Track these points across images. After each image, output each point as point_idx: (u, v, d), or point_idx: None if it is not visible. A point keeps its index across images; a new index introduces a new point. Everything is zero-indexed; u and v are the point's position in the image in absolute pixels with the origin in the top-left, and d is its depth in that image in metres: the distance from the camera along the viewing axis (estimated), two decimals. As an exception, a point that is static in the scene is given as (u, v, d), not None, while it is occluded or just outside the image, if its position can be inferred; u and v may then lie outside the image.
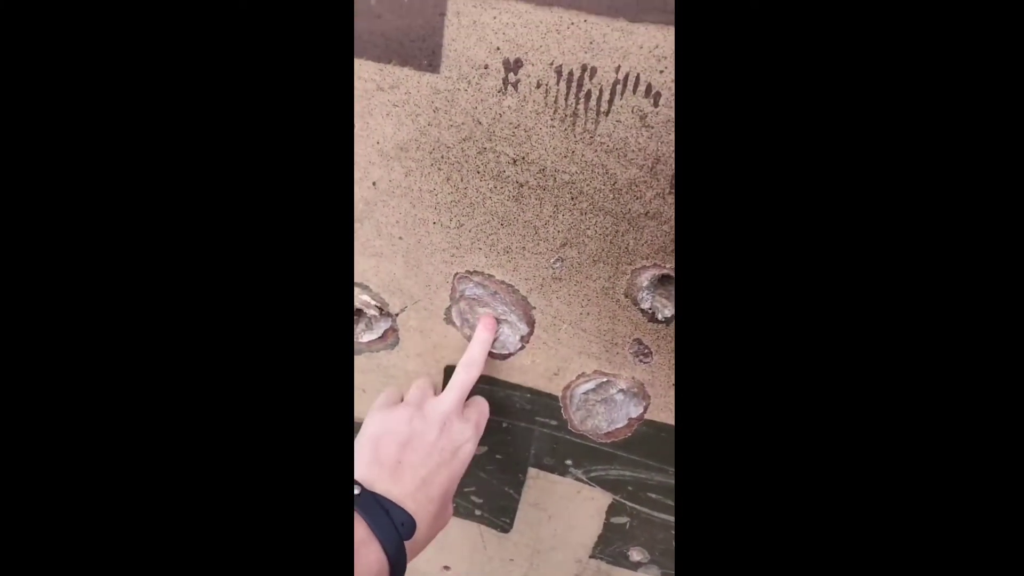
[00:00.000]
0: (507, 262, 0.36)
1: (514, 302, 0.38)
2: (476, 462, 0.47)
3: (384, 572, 0.30)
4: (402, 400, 0.39)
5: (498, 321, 0.39)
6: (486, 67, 0.30)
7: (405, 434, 0.34)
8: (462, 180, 0.34)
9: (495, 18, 0.29)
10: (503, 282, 0.37)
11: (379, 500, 0.31)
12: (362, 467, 0.33)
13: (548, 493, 0.47)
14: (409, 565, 0.57)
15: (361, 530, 0.30)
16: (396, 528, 0.31)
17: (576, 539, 0.49)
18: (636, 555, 0.48)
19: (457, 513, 0.51)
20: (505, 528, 0.51)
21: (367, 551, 0.29)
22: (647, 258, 0.34)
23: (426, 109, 0.32)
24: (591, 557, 0.50)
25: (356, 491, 0.31)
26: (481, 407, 0.39)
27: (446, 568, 0.57)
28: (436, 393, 0.38)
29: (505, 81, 0.30)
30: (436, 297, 0.39)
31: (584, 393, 0.41)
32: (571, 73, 0.29)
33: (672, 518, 0.45)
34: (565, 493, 0.46)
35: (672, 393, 0.38)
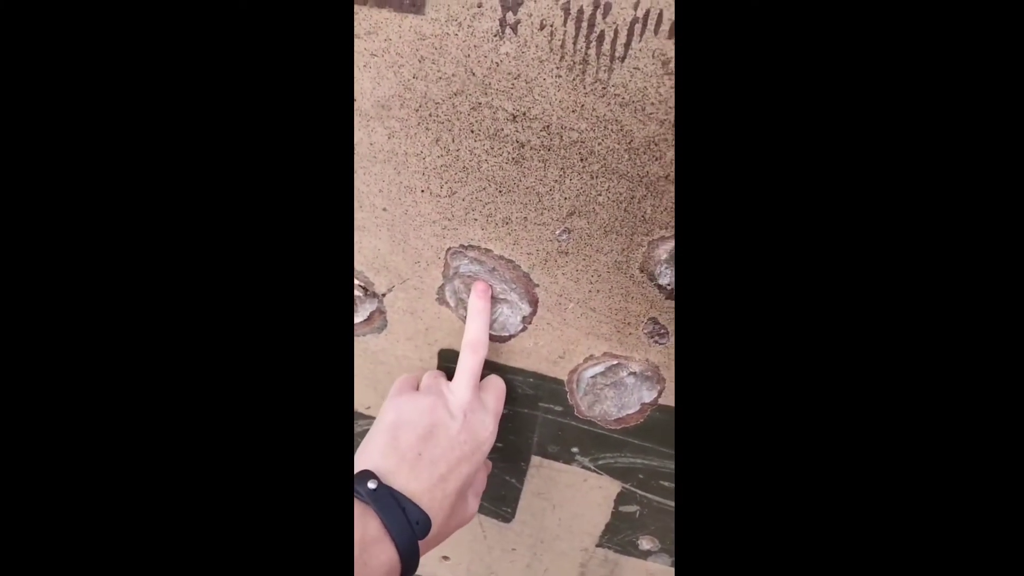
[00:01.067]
0: (506, 235, 0.32)
1: (515, 279, 0.34)
2: (475, 452, 0.44)
3: (396, 571, 0.28)
4: (418, 387, 0.36)
5: (497, 300, 0.35)
6: (480, 5, 0.26)
7: (427, 424, 0.31)
8: (453, 141, 0.30)
9: (490, -57, 0.24)
10: (502, 257, 0.33)
11: (396, 496, 0.29)
12: (379, 456, 0.30)
13: (552, 482, 0.44)
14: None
15: (375, 527, 0.28)
16: (411, 527, 0.28)
17: (582, 528, 0.47)
18: (646, 544, 0.46)
19: (456, 504, 0.49)
20: (507, 518, 0.48)
21: (380, 550, 0.27)
22: (666, 227, 0.30)
23: (410, 59, 0.28)
24: (598, 546, 0.48)
25: (372, 485, 0.29)
26: (497, 389, 0.36)
27: (445, 558, 0.54)
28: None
29: (502, 22, 0.26)
30: (427, 275, 0.35)
31: (592, 377, 0.37)
32: (580, 10, 0.25)
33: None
34: (570, 481, 0.43)
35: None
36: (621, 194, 0.29)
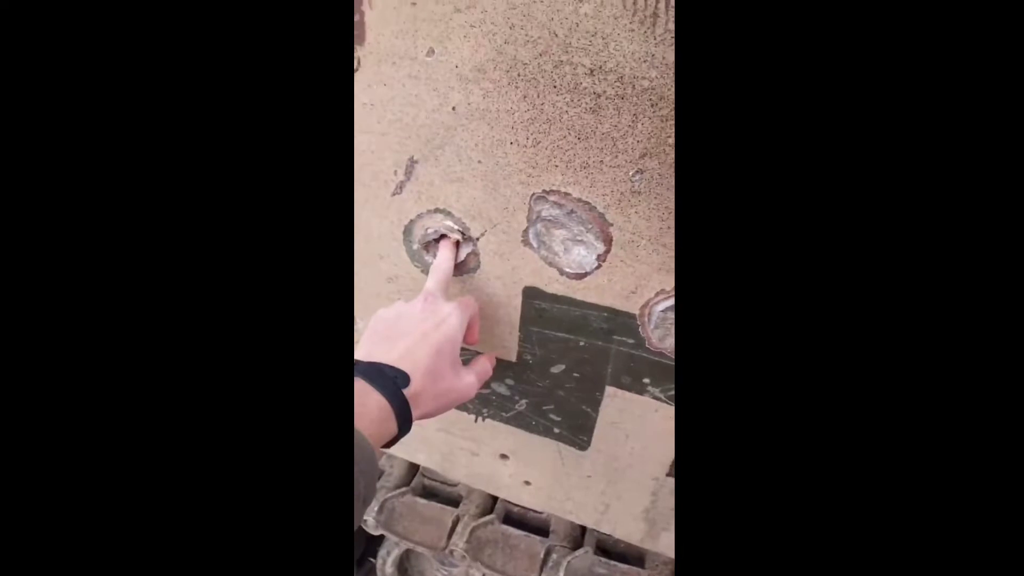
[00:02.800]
0: (584, 178, 0.37)
1: (591, 219, 0.38)
2: (554, 380, 0.49)
3: (388, 416, 0.34)
4: None
5: (575, 242, 0.40)
6: (562, -27, 0.30)
7: (393, 316, 0.40)
8: (539, 96, 0.35)
9: (571, -82, 0.29)
10: (580, 199, 0.38)
11: (372, 364, 0.36)
12: (362, 352, 0.38)
13: (626, 412, 0.49)
14: (491, 476, 0.62)
15: (360, 384, 0.34)
16: (392, 379, 0.35)
17: (653, 457, 0.51)
18: (713, 473, 0.49)
19: (536, 431, 0.54)
20: (583, 446, 0.54)
21: (367, 399, 0.34)
22: (730, 165, 0.33)
23: (502, 27, 0.33)
24: (668, 476, 0.52)
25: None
26: (466, 299, 0.43)
27: (527, 483, 0.61)
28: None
29: (582, -14, 0.30)
30: (513, 220, 0.41)
31: (663, 311, 0.41)
32: (650, -30, 0.29)
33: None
34: (642, 412, 0.48)
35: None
36: (688, 135, 0.33)
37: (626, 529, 0.60)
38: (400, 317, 0.39)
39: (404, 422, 0.35)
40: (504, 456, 0.60)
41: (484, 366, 0.44)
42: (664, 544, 0.59)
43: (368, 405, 0.34)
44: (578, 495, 0.59)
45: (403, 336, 0.38)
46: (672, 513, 0.55)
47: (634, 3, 0.30)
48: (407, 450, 0.67)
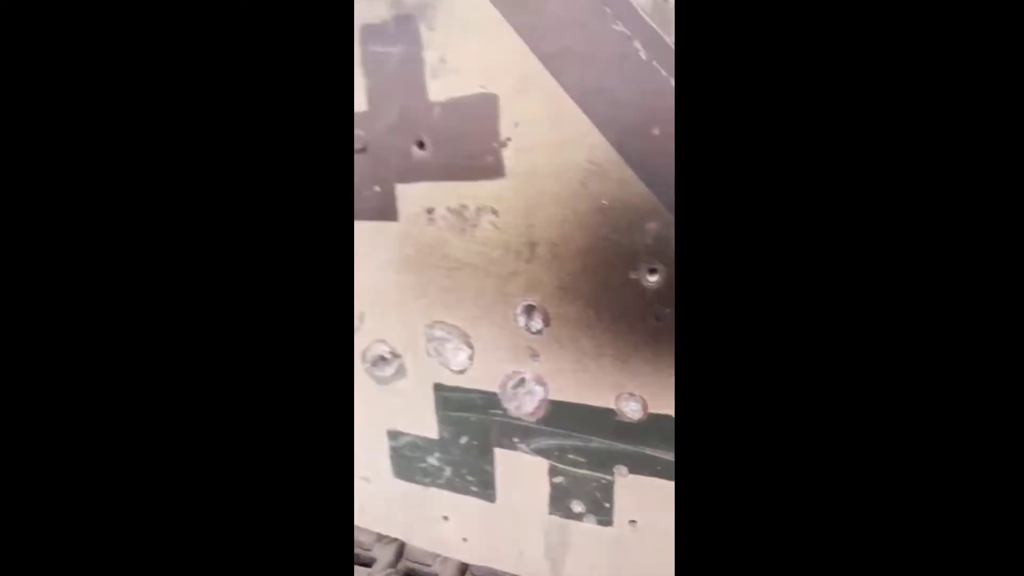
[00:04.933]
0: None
1: (458, 335, 0.65)
2: (442, 447, 0.72)
3: None
4: None
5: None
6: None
7: None
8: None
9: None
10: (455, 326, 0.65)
11: None
12: None
13: (507, 465, 0.70)
14: (438, 537, 0.80)
15: None
16: None
17: (537, 500, 0.71)
18: (576, 507, 0.69)
19: (455, 488, 0.75)
20: (492, 498, 0.74)
21: None
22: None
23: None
24: (550, 514, 0.71)
25: None
26: None
27: (465, 540, 0.79)
28: None
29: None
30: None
31: (512, 387, 0.66)
32: (457, 213, 0.59)
33: (588, 472, 0.66)
34: (519, 464, 0.69)
35: (560, 378, 0.63)
36: (493, 287, 0.61)
37: (535, 569, 0.76)
38: None
39: None
40: (446, 518, 0.79)
41: None
42: (569, 582, 0.75)
43: None
44: (501, 545, 0.77)
45: None
46: (565, 548, 0.73)
47: (451, 228, 0.60)
48: (382, 524, 0.85)
